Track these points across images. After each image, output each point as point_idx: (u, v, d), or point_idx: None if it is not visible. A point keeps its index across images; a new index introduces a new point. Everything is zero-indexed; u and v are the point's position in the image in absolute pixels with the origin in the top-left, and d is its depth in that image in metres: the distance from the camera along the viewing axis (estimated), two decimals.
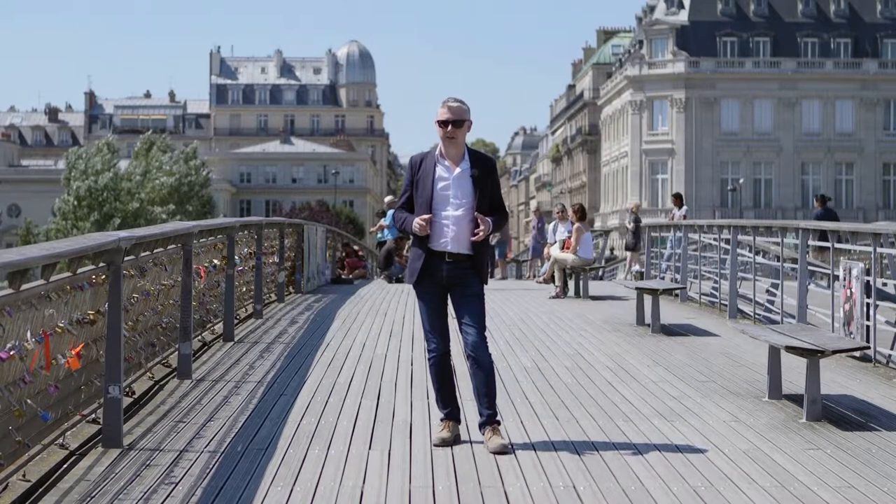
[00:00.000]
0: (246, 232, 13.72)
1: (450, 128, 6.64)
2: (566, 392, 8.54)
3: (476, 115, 6.81)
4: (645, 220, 27.91)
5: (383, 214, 23.98)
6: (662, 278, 19.85)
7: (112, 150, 76.24)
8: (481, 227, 6.56)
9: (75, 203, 72.09)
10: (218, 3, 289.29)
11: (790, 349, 7.72)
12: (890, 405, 8.21)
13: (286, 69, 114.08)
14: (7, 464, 5.65)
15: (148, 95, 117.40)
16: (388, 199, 24.95)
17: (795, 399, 8.12)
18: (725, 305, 15.13)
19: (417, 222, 6.58)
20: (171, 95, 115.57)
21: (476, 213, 6.59)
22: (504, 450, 6.41)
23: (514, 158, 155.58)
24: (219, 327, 11.49)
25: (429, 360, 6.78)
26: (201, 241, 10.56)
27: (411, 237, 6.83)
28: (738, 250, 15.37)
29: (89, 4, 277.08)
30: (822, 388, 7.65)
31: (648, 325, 12.94)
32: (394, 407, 7.84)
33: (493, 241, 26.72)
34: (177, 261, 9.41)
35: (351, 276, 24.33)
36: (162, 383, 8.68)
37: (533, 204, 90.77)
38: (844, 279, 10.74)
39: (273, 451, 6.42)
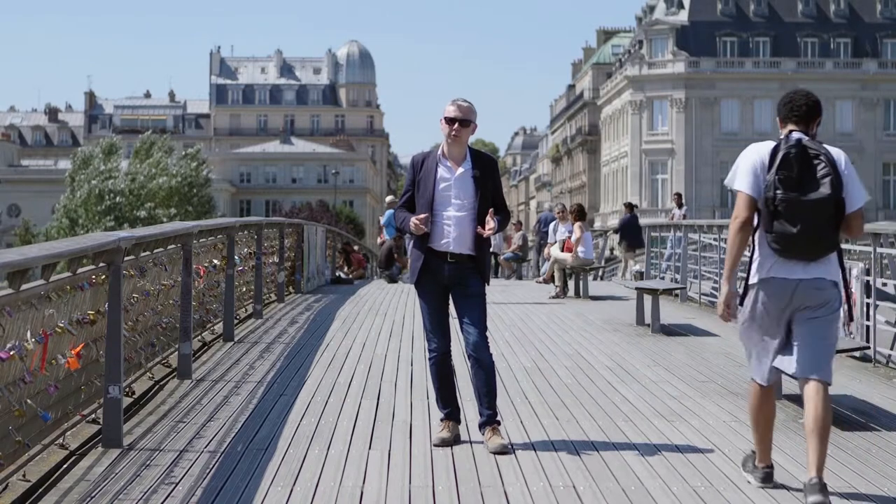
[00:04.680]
0: (246, 232, 13.72)
1: (456, 125, 6.65)
2: (566, 392, 8.54)
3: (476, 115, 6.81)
4: (644, 221, 28.08)
5: None
6: (662, 278, 19.85)
7: (114, 151, 76.06)
8: (490, 225, 6.55)
9: (83, 203, 71.64)
10: (218, 3, 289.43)
11: None
12: (890, 405, 8.22)
13: (286, 69, 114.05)
14: (7, 464, 5.65)
15: (148, 95, 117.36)
16: (388, 198, 24.95)
17: (795, 399, 8.11)
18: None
19: (413, 222, 6.58)
20: (171, 95, 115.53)
21: (490, 214, 6.58)
22: (504, 450, 6.41)
23: (514, 158, 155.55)
24: (219, 327, 11.48)
25: (429, 359, 6.79)
26: (201, 241, 10.56)
27: (408, 236, 6.84)
28: None
29: (89, 4, 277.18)
30: None
31: (648, 325, 12.94)
32: (394, 407, 7.84)
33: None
34: (177, 261, 9.41)
35: (351, 275, 24.32)
36: (162, 383, 8.67)
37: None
38: None
39: (273, 451, 6.42)
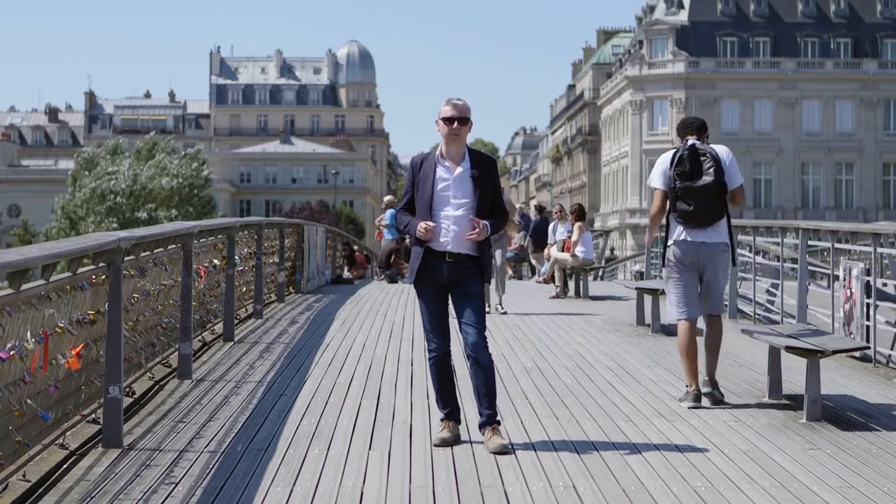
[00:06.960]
0: (246, 232, 13.72)
1: (455, 124, 6.65)
2: (566, 392, 8.54)
3: (476, 115, 6.83)
4: (644, 221, 28.13)
5: None
6: (662, 278, 19.82)
7: (120, 152, 76.00)
8: (476, 230, 6.56)
9: (84, 203, 71.39)
10: (218, 3, 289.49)
11: (790, 349, 7.72)
12: (890, 405, 8.22)
13: (286, 69, 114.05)
14: (7, 464, 5.65)
15: (148, 95, 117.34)
16: (387, 198, 24.94)
17: (795, 399, 8.12)
18: (726, 305, 15.10)
19: (420, 228, 6.58)
20: (171, 95, 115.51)
21: (472, 219, 6.59)
22: (504, 450, 6.41)
23: (514, 158, 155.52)
24: (219, 327, 11.48)
25: (429, 359, 6.78)
26: (201, 241, 10.55)
27: (409, 237, 6.83)
28: (739, 250, 15.36)
29: (89, 4, 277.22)
30: (822, 388, 7.65)
31: (648, 325, 12.94)
32: (394, 407, 7.84)
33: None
34: (177, 261, 9.41)
35: (351, 275, 24.31)
36: (162, 383, 8.67)
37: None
38: (844, 279, 10.75)
39: (273, 451, 6.42)
